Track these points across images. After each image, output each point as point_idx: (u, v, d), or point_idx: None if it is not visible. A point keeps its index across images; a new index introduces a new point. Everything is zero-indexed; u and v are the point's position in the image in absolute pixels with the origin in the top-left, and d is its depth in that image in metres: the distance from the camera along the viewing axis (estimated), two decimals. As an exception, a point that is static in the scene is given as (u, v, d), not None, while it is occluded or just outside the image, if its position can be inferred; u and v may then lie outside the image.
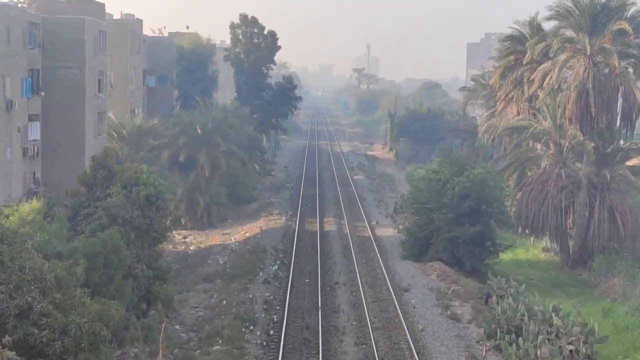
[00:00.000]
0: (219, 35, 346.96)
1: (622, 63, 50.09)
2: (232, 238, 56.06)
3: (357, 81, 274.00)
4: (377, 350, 31.17)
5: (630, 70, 51.02)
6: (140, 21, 73.69)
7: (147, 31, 79.96)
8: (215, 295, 40.56)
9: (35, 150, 48.60)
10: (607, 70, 50.39)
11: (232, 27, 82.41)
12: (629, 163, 53.45)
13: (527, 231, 54.20)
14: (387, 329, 34.31)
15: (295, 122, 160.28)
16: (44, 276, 21.78)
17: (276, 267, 45.13)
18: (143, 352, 30.09)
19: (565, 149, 53.25)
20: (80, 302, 22.14)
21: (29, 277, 21.49)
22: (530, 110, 60.04)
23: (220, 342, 32.38)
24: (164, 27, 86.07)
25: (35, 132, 49.45)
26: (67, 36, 51.45)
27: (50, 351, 20.56)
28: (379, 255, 48.39)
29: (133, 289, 31.44)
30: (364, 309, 36.83)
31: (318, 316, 35.59)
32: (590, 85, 49.73)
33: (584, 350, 29.75)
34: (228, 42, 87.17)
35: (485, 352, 31.22)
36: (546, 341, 30.23)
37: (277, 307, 37.56)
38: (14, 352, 19.30)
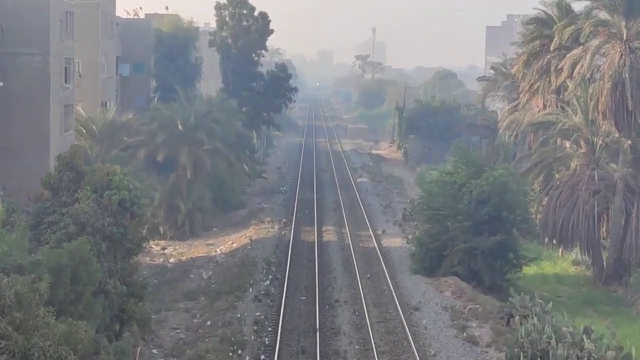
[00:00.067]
0: (203, 17, 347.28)
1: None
2: (218, 249, 56.03)
3: (360, 70, 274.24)
4: (383, 378, 31.19)
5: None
6: (113, 1, 73.73)
7: (120, 12, 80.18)
8: (198, 315, 40.50)
9: (-7, 149, 48.62)
10: (646, 58, 50.48)
11: (218, 7, 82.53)
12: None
13: (554, 241, 54.22)
14: (395, 354, 34.30)
15: (290, 116, 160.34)
16: (2, 293, 21.74)
17: (268, 282, 45.11)
18: (116, 379, 30.05)
19: (598, 148, 53.31)
20: (44, 323, 22.09)
21: (-15, 294, 21.45)
22: (558, 103, 60.12)
23: (204, 368, 32.37)
24: (140, 7, 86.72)
25: (-8, 128, 49.46)
26: (29, 18, 51.38)
27: (10, 379, 20.53)
28: (386, 269, 48.37)
29: (104, 307, 31.38)
30: (368, 330, 36.81)
31: (316, 339, 35.54)
32: (626, 74, 49.75)
33: (619, 377, 29.75)
34: (213, 25, 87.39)
35: (507, 379, 31.22)
36: (576, 367, 30.20)
37: (269, 329, 37.50)
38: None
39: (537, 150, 58.99)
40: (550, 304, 38.42)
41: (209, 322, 38.71)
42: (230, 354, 33.78)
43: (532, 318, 35.77)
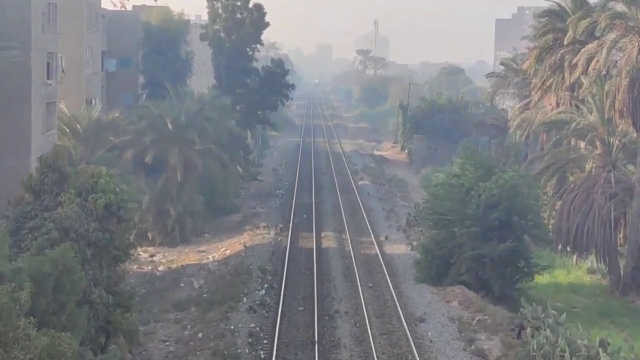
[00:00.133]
0: (195, 9, 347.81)
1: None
2: (210, 256, 56.01)
3: (361, 65, 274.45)
4: (386, 394, 31.19)
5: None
6: (98, -8, 73.87)
7: (106, 4, 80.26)
8: (189, 327, 40.48)
9: (-30, 150, 48.61)
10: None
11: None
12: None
13: (568, 248, 54.21)
14: (399, 368, 34.31)
15: (287, 115, 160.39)
16: (-20, 303, 21.73)
17: (263, 291, 45.09)
18: (101, 395, 30.04)
19: (615, 149, 53.31)
20: (25, 335, 22.07)
21: (-37, 304, 21.44)
22: (572, 101, 60.14)
23: (195, 383, 32.37)
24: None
25: (-31, 127, 49.46)
26: (8, 9, 51.35)
27: (-12, 394, 20.52)
28: (389, 278, 48.36)
29: (89, 318, 31.36)
30: (370, 343, 36.79)
31: (314, 352, 35.56)
32: (645, 70, 49.81)
33: (637, 393, 29.78)
34: (205, 17, 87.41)
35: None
36: (592, 382, 30.24)
37: (265, 341, 37.49)
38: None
39: (549, 151, 59.01)
40: (564, 315, 38.43)
41: (200, 334, 38.68)
42: (223, 368, 33.78)
43: (545, 330, 35.79)
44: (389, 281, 47.62)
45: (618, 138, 52.73)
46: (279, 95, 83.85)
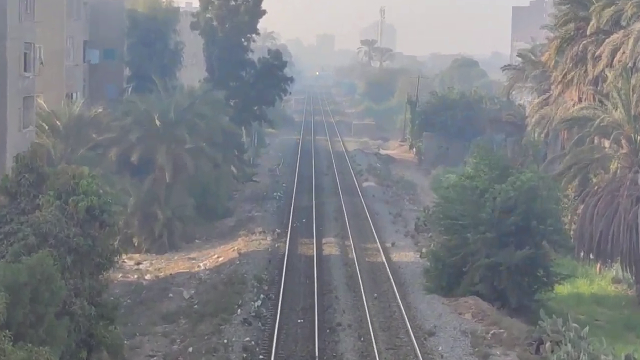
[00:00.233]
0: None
1: None
2: (201, 264, 56.03)
3: (366, 57, 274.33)
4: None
5: None
6: (80, -23, 73.91)
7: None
8: (178, 340, 40.50)
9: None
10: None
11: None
12: None
13: (591, 256, 54.17)
14: (406, 386, 34.31)
15: (285, 110, 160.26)
16: (-49, 314, 21.73)
17: (259, 302, 45.11)
18: (82, 415, 30.05)
19: (642, 148, 53.27)
20: (0, 349, 22.08)
21: None
22: (595, 95, 60.13)
23: (184, 402, 32.38)
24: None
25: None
26: (-18, -4, 51.43)
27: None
28: (396, 288, 48.37)
29: (70, 331, 31.36)
30: (375, 359, 36.77)
31: (315, 368, 35.57)
32: (675, 62, 49.87)
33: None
34: (196, 4, 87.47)
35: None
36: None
37: (261, 356, 37.51)
38: None
39: (571, 151, 58.96)
40: (587, 328, 38.42)
41: (190, 349, 38.69)
42: (216, 385, 33.79)
43: (566, 345, 35.78)
44: (396, 291, 47.61)
45: (645, 136, 52.70)
46: (276, 89, 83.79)
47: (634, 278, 53.79)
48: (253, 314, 43.32)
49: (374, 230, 64.28)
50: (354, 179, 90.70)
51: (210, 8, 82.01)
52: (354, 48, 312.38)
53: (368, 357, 37.36)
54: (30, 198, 34.85)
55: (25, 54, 55.39)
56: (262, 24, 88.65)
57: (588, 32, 60.12)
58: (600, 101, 57.41)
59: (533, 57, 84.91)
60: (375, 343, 38.82)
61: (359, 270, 52.10)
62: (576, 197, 56.85)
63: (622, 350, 36.00)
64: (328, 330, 41.08)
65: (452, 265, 48.36)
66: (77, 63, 72.47)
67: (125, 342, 37.38)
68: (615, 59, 53.32)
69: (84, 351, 33.16)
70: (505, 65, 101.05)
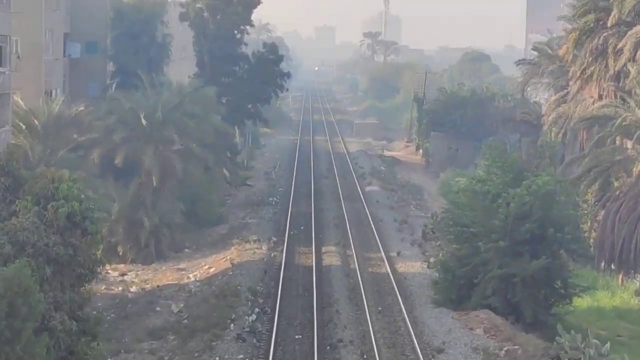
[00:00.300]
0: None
1: None
2: (191, 275, 56.02)
3: (369, 51, 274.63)
4: None
5: None
6: (60, -35, 73.91)
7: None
8: (166, 358, 40.51)
9: None
10: None
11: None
12: None
13: (612, 266, 54.18)
14: (413, 407, 34.32)
15: (282, 109, 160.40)
16: None
17: (254, 317, 45.09)
18: None
19: (668, 149, 53.32)
20: (-27, 368, 22.07)
21: None
22: (617, 92, 60.16)
23: None
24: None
25: None
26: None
27: None
28: (401, 301, 48.37)
29: (49, 348, 31.35)
30: (379, 377, 36.79)
31: (314, 388, 35.57)
32: (703, 57, 49.90)
33: None
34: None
35: None
36: None
37: (255, 375, 37.53)
38: None
39: (590, 152, 58.98)
40: (608, 344, 38.40)
41: (179, 367, 38.69)
42: (207, 407, 33.79)
43: (585, 362, 35.76)
44: (401, 305, 47.60)
45: (672, 136, 52.77)
46: (272, 85, 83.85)
47: (658, 290, 53.86)
48: (247, 329, 43.29)
49: (377, 239, 64.28)
50: (356, 182, 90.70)
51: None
52: (356, 41, 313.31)
53: (371, 375, 37.39)
54: (6, 204, 34.83)
55: (0, 47, 55.37)
56: (257, 15, 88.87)
57: (609, 24, 60.17)
58: (623, 98, 57.44)
59: (549, 51, 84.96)
60: (380, 361, 38.86)
61: (362, 282, 52.09)
62: (596, 203, 56.84)
63: (646, 368, 36.02)
64: (328, 347, 41.07)
65: (463, 276, 48.31)
66: (57, 57, 72.43)
67: (109, 359, 37.36)
68: (638, 52, 53.33)
69: (65, 369, 33.15)
70: (519, 60, 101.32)
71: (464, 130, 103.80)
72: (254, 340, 42.06)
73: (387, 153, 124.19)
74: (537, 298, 46.47)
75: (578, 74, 65.24)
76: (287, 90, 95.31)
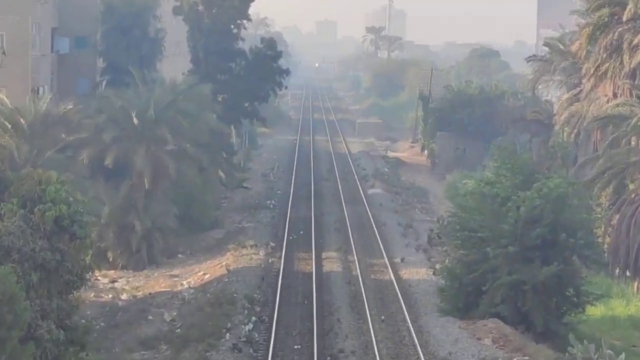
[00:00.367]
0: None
1: None
2: (185, 282, 56.03)
3: (372, 46, 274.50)
4: None
5: None
6: (47, -44, 73.92)
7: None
8: (158, 369, 40.53)
9: None
10: None
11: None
12: None
13: (627, 273, 54.16)
14: (418, 421, 34.33)
15: (281, 107, 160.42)
16: None
17: (250, 326, 45.12)
18: None
19: (685, 150, 53.33)
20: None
21: None
22: (633, 90, 60.15)
23: None
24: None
25: None
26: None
27: None
28: (406, 309, 48.37)
29: (35, 358, 31.36)
30: (382, 389, 36.79)
31: (313, 400, 35.59)
32: None
33: None
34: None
35: None
36: None
37: (252, 387, 37.53)
38: None
39: (605, 153, 58.97)
40: (623, 355, 38.40)
41: (172, 379, 38.71)
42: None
43: (599, 374, 35.76)
44: (406, 313, 47.61)
45: (690, 137, 52.78)
46: (270, 82, 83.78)
47: (676, 298, 53.86)
48: (243, 339, 43.32)
49: (381, 244, 64.29)
50: (359, 185, 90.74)
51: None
52: (359, 36, 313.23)
53: (374, 388, 37.41)
54: (-10, 207, 34.82)
55: (-15, 43, 55.43)
56: (255, 9, 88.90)
57: (624, 18, 60.17)
58: (638, 97, 57.43)
59: (562, 47, 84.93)
60: (383, 372, 38.88)
61: (364, 290, 52.10)
62: (611, 206, 56.84)
63: (663, 380, 36.02)
64: (329, 358, 41.10)
65: (470, 283, 48.30)
66: (44, 53, 72.43)
67: (98, 370, 37.40)
68: (655, 49, 53.41)
69: (52, 381, 33.15)
70: (530, 56, 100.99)
71: (471, 130, 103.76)
72: (251, 351, 42.09)
73: (390, 154, 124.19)
74: (548, 306, 46.46)
75: (592, 71, 65.23)
76: (286, 87, 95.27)
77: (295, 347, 42.75)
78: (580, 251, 47.24)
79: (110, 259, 61.56)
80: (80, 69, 79.11)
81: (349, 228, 68.89)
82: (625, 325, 52.42)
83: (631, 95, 59.70)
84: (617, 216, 54.23)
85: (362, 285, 52.97)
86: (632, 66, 60.04)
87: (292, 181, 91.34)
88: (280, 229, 68.94)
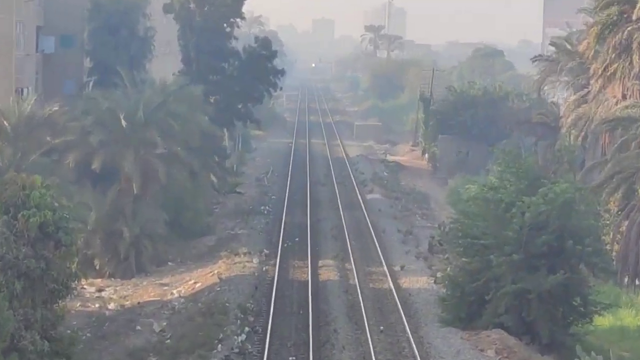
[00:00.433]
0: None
1: None
2: (175, 291, 56.02)
3: (371, 46, 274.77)
4: None
5: None
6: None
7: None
8: (147, 382, 40.52)
9: None
10: None
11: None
12: None
13: (637, 282, 54.18)
14: None
15: (275, 109, 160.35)
16: None
17: (243, 337, 45.11)
18: None
19: (697, 154, 53.39)
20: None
21: None
22: (643, 92, 60.27)
23: None
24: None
25: None
26: None
27: None
28: (405, 320, 48.37)
29: (18, 370, 31.36)
30: (381, 403, 36.82)
31: (309, 415, 35.60)
32: None
33: None
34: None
35: None
36: None
37: (245, 401, 37.54)
38: None
39: (613, 157, 59.03)
40: (632, 367, 38.46)
41: (162, 392, 38.72)
42: None
43: (607, 387, 35.80)
44: (405, 324, 47.61)
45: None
46: (264, 83, 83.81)
47: (687, 308, 53.91)
48: (236, 350, 43.31)
49: (379, 251, 64.29)
50: (357, 190, 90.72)
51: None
52: (357, 35, 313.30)
53: (372, 401, 37.41)
54: (-29, 213, 34.82)
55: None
56: (248, 7, 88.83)
57: (634, 17, 60.23)
58: (648, 98, 57.53)
59: (568, 46, 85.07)
60: (381, 385, 38.91)
61: (362, 299, 52.09)
62: (619, 212, 56.89)
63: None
64: (325, 370, 41.13)
65: (473, 292, 48.31)
66: (29, 52, 72.43)
67: (85, 383, 37.41)
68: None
69: (36, 394, 33.15)
70: (535, 56, 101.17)
71: (474, 132, 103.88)
72: (244, 363, 42.11)
73: (390, 158, 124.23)
74: (554, 316, 46.48)
75: (600, 72, 65.28)
76: (281, 88, 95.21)
77: (290, 359, 42.74)
78: (587, 259, 47.23)
79: (97, 267, 61.54)
80: (66, 69, 79.07)
81: (346, 235, 68.90)
82: (635, 336, 52.41)
83: (641, 96, 59.82)
84: (626, 222, 54.27)
85: (360, 295, 52.96)
86: (642, 66, 60.16)
87: (287, 186, 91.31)
88: (274, 236, 68.94)
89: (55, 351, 34.27)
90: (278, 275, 57.06)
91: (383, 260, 61.70)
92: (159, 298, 54.78)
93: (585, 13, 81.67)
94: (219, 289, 54.08)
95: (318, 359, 42.35)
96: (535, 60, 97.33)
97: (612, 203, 57.88)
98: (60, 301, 35.85)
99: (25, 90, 69.32)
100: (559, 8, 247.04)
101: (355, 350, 43.99)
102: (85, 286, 55.65)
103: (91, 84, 77.38)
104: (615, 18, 63.47)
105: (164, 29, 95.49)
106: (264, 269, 59.26)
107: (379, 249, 65.07)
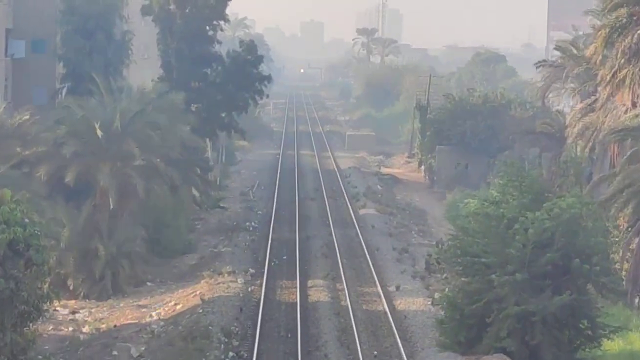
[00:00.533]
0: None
1: None
2: (154, 314, 56.02)
3: (364, 50, 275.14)
4: None
5: None
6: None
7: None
8: (124, 411, 40.54)
9: None
10: None
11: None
12: None
13: (648, 303, 54.29)
14: None
15: (261, 118, 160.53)
16: None
17: (228, 362, 45.18)
18: None
19: None
20: None
21: None
22: (654, 100, 60.43)
23: None
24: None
25: None
26: None
27: None
28: (401, 344, 48.46)
29: (-14, 399, 31.34)
30: None
31: None
32: None
33: None
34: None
35: None
36: None
37: None
38: None
39: (623, 169, 59.13)
40: (643, 395, 38.54)
41: (140, 422, 38.73)
42: None
43: (616, 416, 35.90)
44: (401, 348, 47.69)
45: None
46: (250, 90, 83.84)
47: (702, 331, 54.04)
48: (220, 377, 43.38)
49: (373, 271, 64.35)
50: (349, 205, 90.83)
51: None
52: (349, 39, 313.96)
53: None
54: (-64, 229, 34.81)
55: None
56: (233, 9, 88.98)
57: (644, 20, 60.46)
58: (660, 107, 57.71)
59: (575, 51, 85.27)
60: (375, 414, 38.97)
61: (355, 322, 52.16)
62: (629, 229, 56.98)
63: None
64: (315, 398, 41.17)
65: (473, 314, 48.33)
66: (-2, 58, 72.54)
67: (57, 413, 37.37)
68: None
69: None
70: (539, 61, 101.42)
71: (474, 143, 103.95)
72: (228, 390, 42.16)
73: (384, 170, 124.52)
74: (559, 341, 46.52)
75: (608, 78, 65.38)
76: (268, 96, 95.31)
77: (278, 386, 42.86)
78: (595, 279, 47.28)
79: (71, 288, 61.43)
80: (37, 76, 79.07)
81: (337, 253, 68.95)
82: (646, 361, 52.60)
83: (652, 105, 60.00)
84: (637, 239, 54.36)
85: (352, 317, 53.01)
86: (652, 72, 60.34)
87: (275, 200, 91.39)
88: (260, 254, 68.95)
89: (26, 378, 34.23)
90: (264, 296, 57.10)
91: (377, 280, 61.77)
92: (137, 321, 54.75)
93: (593, 15, 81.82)
94: (201, 311, 54.07)
95: (307, 386, 42.45)
96: (539, 66, 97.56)
97: (621, 219, 57.96)
98: (31, 324, 35.83)
99: (-7, 98, 69.36)
100: (564, 10, 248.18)
101: (347, 376, 44.10)
102: (58, 308, 55.61)
103: (64, 91, 77.37)
104: (624, 20, 63.61)
105: (142, 33, 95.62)
106: (249, 289, 59.30)
107: (372, 268, 65.13)
